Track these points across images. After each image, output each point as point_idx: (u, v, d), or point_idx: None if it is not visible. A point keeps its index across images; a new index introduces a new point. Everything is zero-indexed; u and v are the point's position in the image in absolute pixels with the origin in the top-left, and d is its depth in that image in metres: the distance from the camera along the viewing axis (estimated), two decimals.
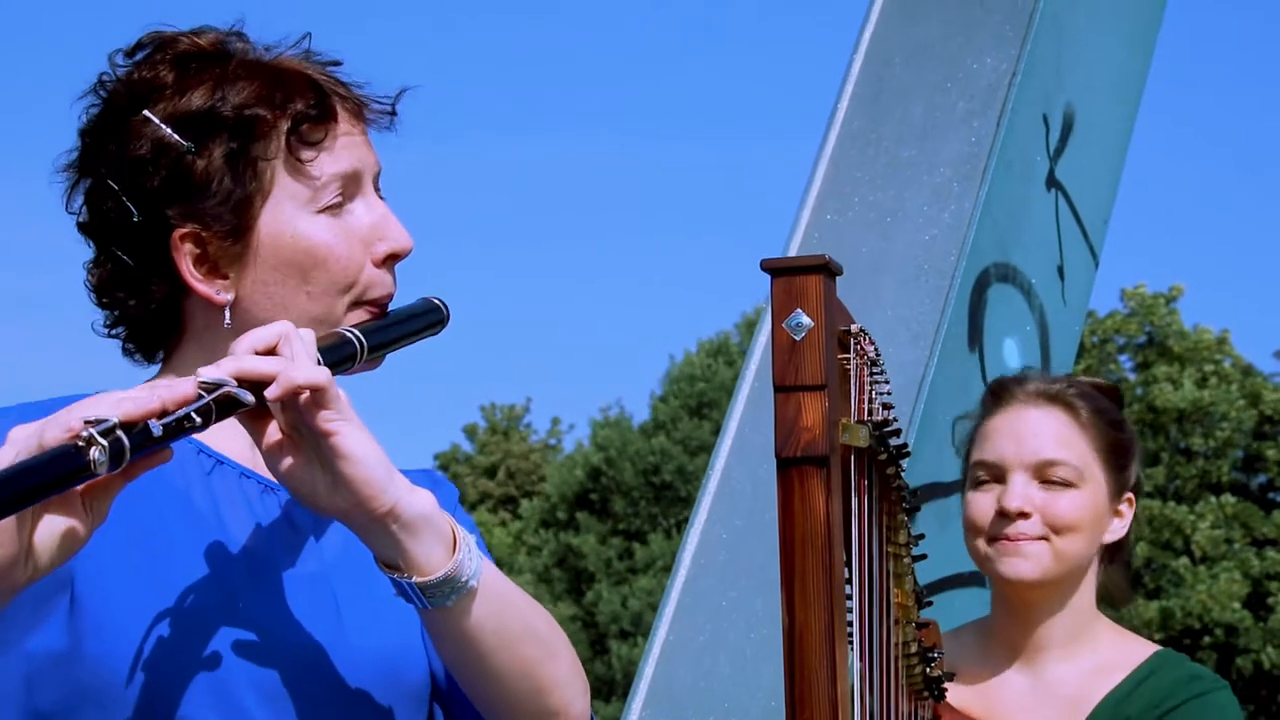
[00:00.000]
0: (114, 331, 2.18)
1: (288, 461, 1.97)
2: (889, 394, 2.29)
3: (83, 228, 2.16)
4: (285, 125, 2.11)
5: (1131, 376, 35.43)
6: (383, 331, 2.15)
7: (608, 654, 36.54)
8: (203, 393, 1.90)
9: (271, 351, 1.97)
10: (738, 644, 4.36)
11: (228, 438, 2.14)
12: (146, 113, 2.09)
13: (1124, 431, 3.20)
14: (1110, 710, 3.07)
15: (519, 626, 2.07)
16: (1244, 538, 33.90)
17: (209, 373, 1.92)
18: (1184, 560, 33.31)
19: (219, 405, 1.92)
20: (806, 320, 2.15)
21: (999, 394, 3.21)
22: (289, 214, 2.11)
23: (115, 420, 1.83)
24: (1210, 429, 34.55)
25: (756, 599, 4.35)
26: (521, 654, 2.06)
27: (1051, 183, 4.88)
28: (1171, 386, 34.12)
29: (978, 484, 3.15)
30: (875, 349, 2.26)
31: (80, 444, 1.80)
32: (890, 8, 4.91)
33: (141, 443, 1.85)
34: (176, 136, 2.08)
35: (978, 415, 3.23)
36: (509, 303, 65.60)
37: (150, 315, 2.15)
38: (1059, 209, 4.91)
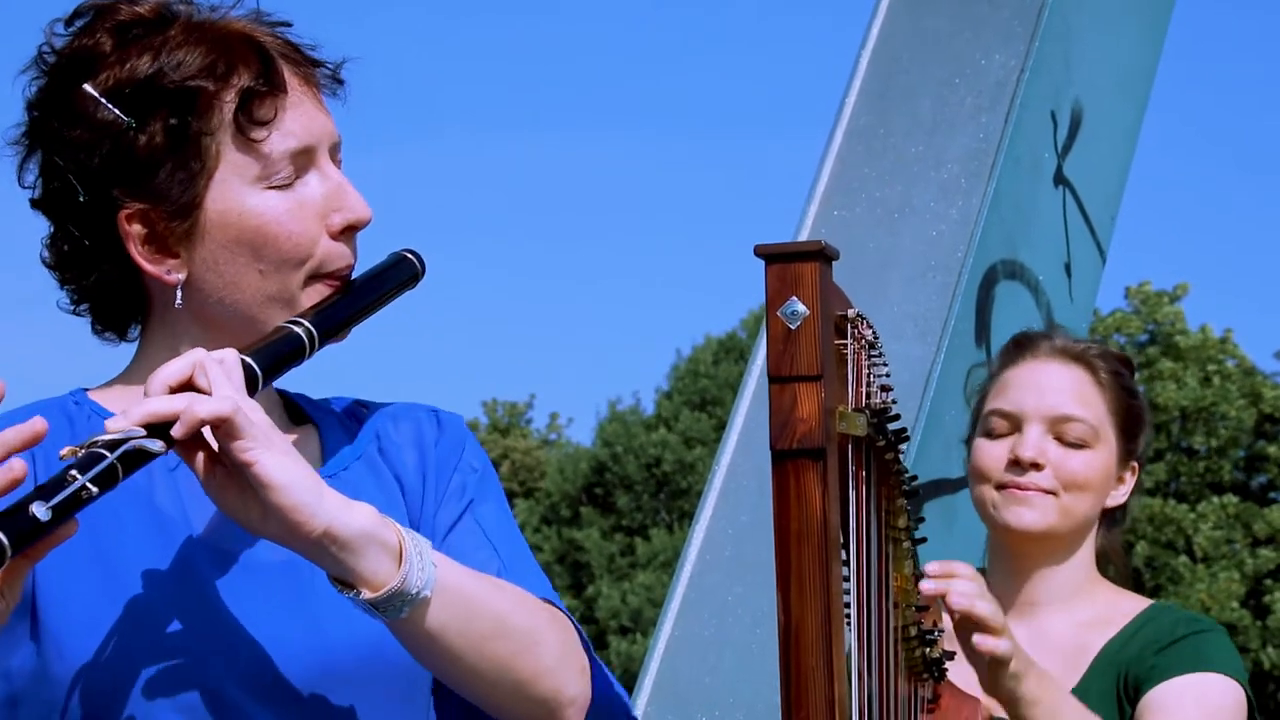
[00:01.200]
0: (79, 309, 2.12)
1: (222, 491, 1.90)
2: (887, 375, 2.26)
3: (36, 204, 2.09)
4: (229, 97, 2.03)
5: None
6: (337, 309, 2.07)
7: (607, 649, 36.58)
8: (105, 452, 1.80)
9: (188, 384, 1.89)
10: (743, 639, 4.35)
11: None
12: (87, 87, 2.02)
13: (1137, 400, 3.22)
14: (1109, 658, 3.07)
15: (487, 624, 1.99)
16: (1245, 538, 33.90)
17: (116, 424, 1.84)
18: (1184, 559, 33.30)
19: (125, 462, 1.81)
20: (802, 308, 2.11)
21: (1023, 345, 3.21)
22: (236, 190, 2.04)
23: None
24: (1212, 428, 34.53)
25: (761, 594, 4.34)
26: (493, 651, 1.99)
27: (1059, 179, 4.87)
28: (1175, 385, 34.08)
29: (992, 432, 3.15)
30: (873, 331, 2.23)
31: None
32: (898, 4, 4.90)
33: (27, 533, 1.74)
34: (117, 112, 2.01)
35: (996, 365, 3.23)
36: (511, 299, 65.67)
37: (111, 293, 2.09)
38: (1066, 206, 4.90)
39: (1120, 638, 3.10)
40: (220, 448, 1.88)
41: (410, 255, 2.16)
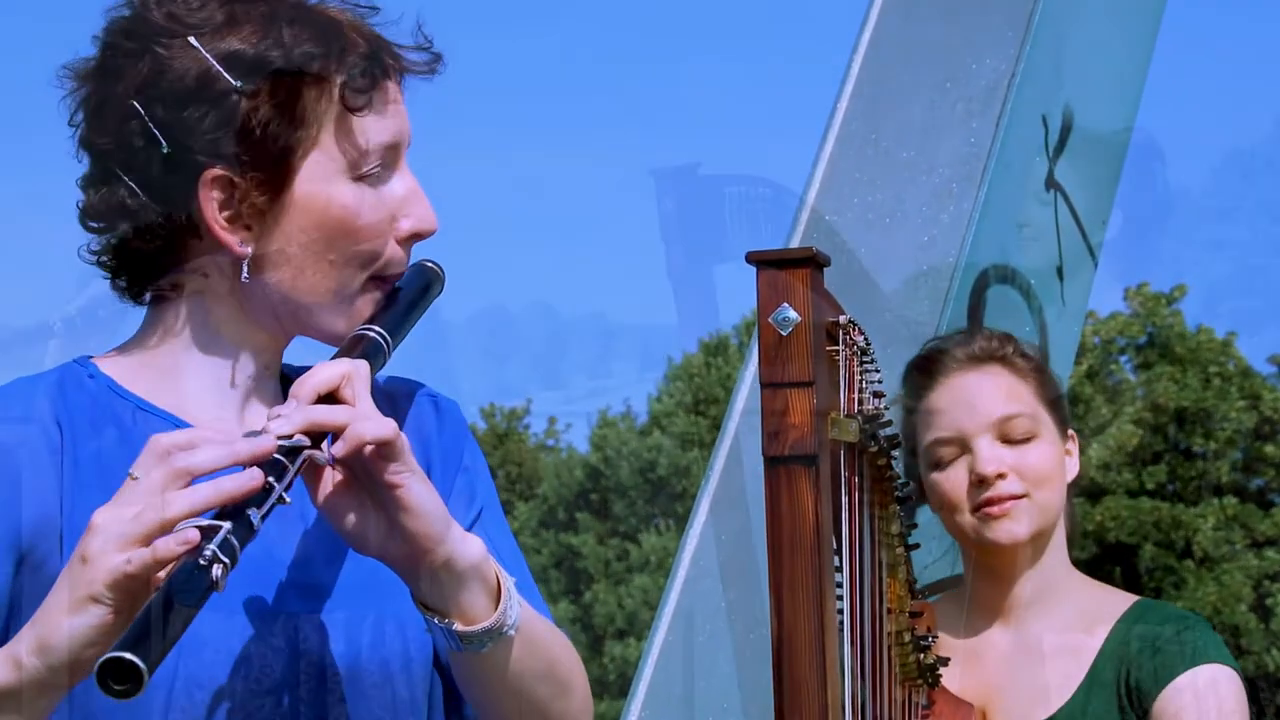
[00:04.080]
0: (102, 259, 2.07)
1: (338, 501, 1.93)
2: (880, 382, 2.26)
3: (90, 145, 2.04)
4: (339, 79, 2.01)
5: (1133, 377, 35.41)
6: (402, 321, 2.08)
7: (603, 654, 36.61)
8: (286, 461, 1.86)
9: (334, 393, 1.92)
10: (737, 645, 4.35)
11: (205, 407, 2.06)
12: (193, 40, 1.98)
13: (1048, 371, 3.23)
14: (1110, 656, 3.07)
15: (540, 665, 2.05)
16: (1244, 539, 33.90)
17: (279, 426, 1.87)
18: (1187, 563, 33.31)
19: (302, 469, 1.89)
20: (793, 315, 2.12)
21: (929, 368, 3.19)
22: (327, 175, 2.02)
23: (228, 527, 1.79)
24: (1211, 430, 34.52)
25: (755, 600, 4.33)
26: (537, 692, 2.04)
27: (1050, 183, 4.87)
28: (1175, 387, 34.06)
29: (941, 463, 3.13)
30: (865, 338, 2.23)
31: (203, 564, 1.76)
32: (889, 7, 4.90)
33: (245, 539, 1.81)
34: (227, 76, 1.96)
35: (910, 395, 3.20)
36: (508, 301, 65.54)
37: (151, 252, 2.03)
38: (1058, 210, 4.90)
39: (1113, 639, 3.10)
40: (361, 465, 1.91)
41: (433, 265, 2.15)
